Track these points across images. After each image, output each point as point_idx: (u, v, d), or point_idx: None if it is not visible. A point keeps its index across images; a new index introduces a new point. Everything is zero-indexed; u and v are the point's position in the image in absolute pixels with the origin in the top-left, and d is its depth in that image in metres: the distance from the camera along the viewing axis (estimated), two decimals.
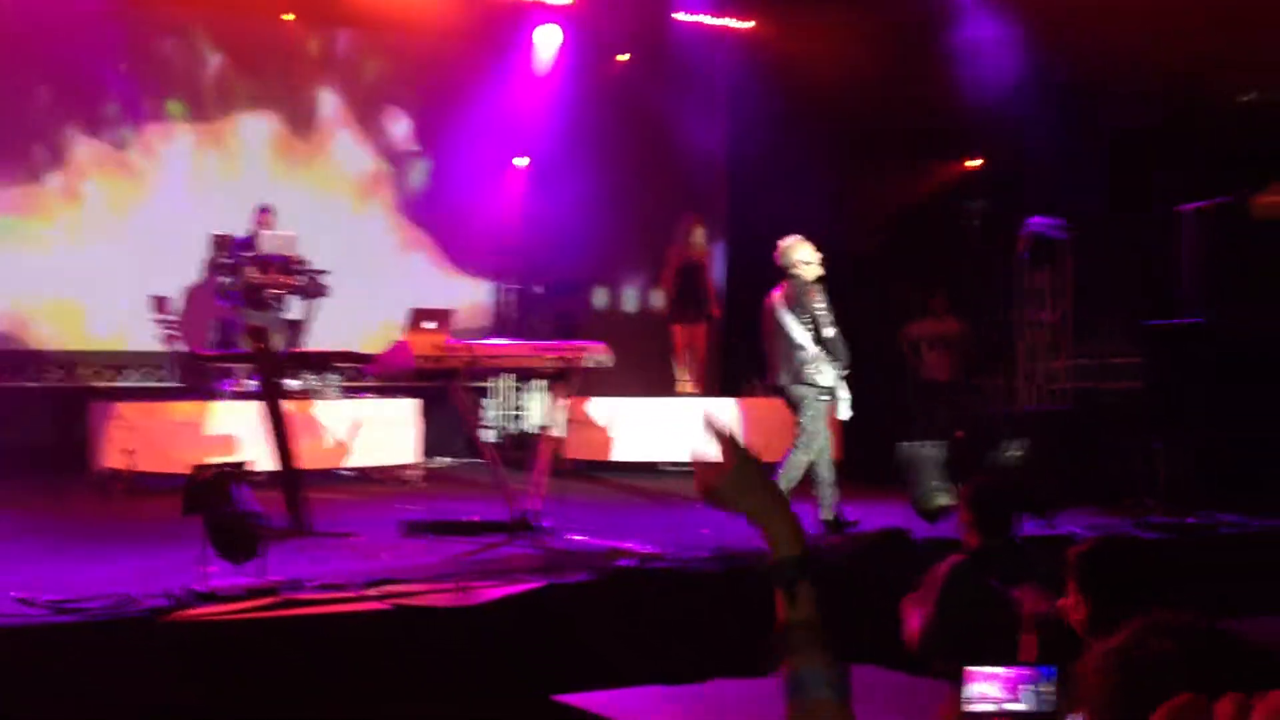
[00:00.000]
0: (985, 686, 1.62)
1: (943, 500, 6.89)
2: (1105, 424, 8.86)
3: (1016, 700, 1.60)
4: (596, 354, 7.50)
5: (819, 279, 7.23)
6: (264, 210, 9.97)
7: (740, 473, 1.66)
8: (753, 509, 1.65)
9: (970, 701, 1.64)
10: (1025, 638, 3.07)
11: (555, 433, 7.73)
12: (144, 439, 8.15)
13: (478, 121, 11.82)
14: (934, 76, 11.21)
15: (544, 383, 11.55)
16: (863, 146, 11.65)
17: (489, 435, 10.97)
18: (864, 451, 9.55)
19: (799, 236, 7.35)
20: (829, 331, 7.09)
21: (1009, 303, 10.55)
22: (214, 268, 9.94)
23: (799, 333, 7.07)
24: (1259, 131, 9.66)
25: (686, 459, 9.71)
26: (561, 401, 7.77)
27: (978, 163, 12.28)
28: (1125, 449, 8.30)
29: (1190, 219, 8.76)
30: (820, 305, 7.11)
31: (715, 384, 11.70)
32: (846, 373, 7.14)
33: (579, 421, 9.61)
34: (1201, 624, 1.42)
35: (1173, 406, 8.22)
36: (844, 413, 7.18)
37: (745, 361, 11.09)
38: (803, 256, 7.23)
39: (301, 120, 11.49)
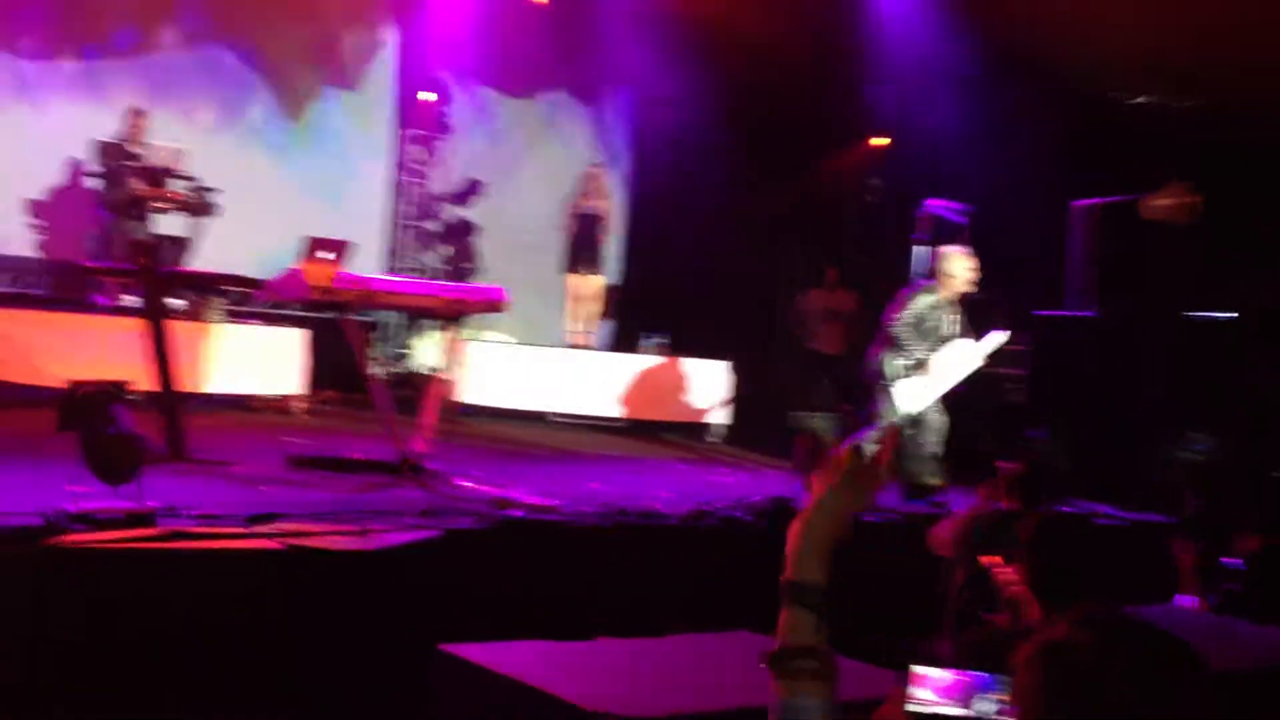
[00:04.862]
0: (933, 689, 1.60)
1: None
2: (987, 408, 9.06)
3: (968, 707, 1.58)
4: (491, 298, 7.39)
5: (958, 294, 7.35)
6: (137, 113, 9.52)
7: (846, 492, 1.65)
8: (817, 520, 1.64)
9: (917, 703, 1.61)
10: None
11: (445, 375, 7.61)
12: (11, 348, 7.79)
13: (383, 51, 11.52)
14: (846, 51, 11.28)
15: (433, 323, 11.40)
16: (771, 115, 11.66)
17: (376, 373, 10.75)
18: (756, 422, 9.62)
19: (960, 248, 7.43)
20: (897, 329, 7.19)
21: (903, 281, 10.68)
22: (95, 175, 9.50)
23: (896, 328, 7.19)
24: (1153, 133, 9.94)
25: (576, 410, 9.75)
26: (453, 344, 7.64)
27: (883, 141, 12.40)
28: (1006, 434, 8.50)
29: (1083, 214, 8.97)
30: (913, 308, 7.20)
31: (608, 339, 11.66)
32: (912, 367, 7.20)
33: (469, 365, 9.48)
34: (1118, 615, 1.45)
35: (1056, 396, 8.45)
36: (902, 406, 7.21)
37: (641, 318, 11.08)
38: (949, 269, 7.30)
39: None
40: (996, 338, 7.53)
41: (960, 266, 7.29)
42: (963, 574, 3.50)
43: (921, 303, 7.24)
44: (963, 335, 7.41)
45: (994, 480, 3.90)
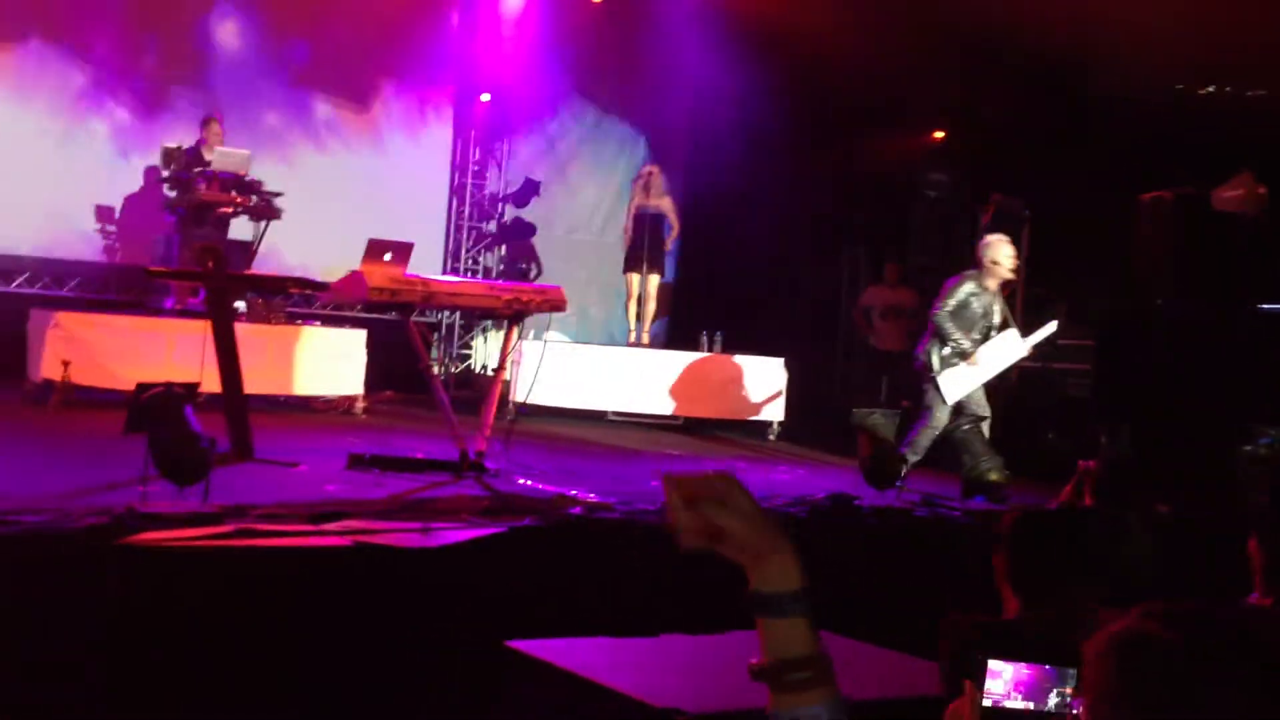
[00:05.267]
0: (1008, 683, 1.58)
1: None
2: (1049, 403, 8.94)
3: (1043, 702, 1.56)
4: (551, 298, 7.42)
5: (1002, 282, 7.32)
6: (210, 120, 9.66)
7: (732, 498, 1.45)
8: (744, 537, 1.44)
9: (990, 696, 1.59)
10: None
11: (505, 375, 7.65)
12: (82, 351, 7.95)
13: (441, 54, 11.60)
14: (904, 46, 11.17)
15: (490, 323, 11.47)
16: (829, 110, 11.59)
17: (437, 373, 10.85)
18: (816, 417, 9.57)
19: (1002, 236, 7.42)
20: (939, 317, 7.16)
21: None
22: (162, 181, 9.65)
23: (938, 316, 7.16)
24: (1221, 124, 9.75)
25: (635, 409, 9.76)
26: (513, 343, 7.68)
27: (941, 135, 12.28)
28: (1068, 430, 8.39)
29: (1149, 207, 8.80)
30: (954, 296, 7.15)
31: (666, 337, 11.66)
32: (955, 355, 7.16)
33: (529, 365, 9.52)
34: (1207, 612, 1.41)
35: (1119, 391, 8.31)
36: (948, 394, 7.18)
37: (697, 316, 11.07)
38: (994, 256, 7.25)
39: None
40: (1045, 329, 7.47)
41: (1005, 254, 7.25)
42: None
43: (963, 290, 7.21)
44: (1010, 325, 7.36)
45: (1080, 476, 3.86)
